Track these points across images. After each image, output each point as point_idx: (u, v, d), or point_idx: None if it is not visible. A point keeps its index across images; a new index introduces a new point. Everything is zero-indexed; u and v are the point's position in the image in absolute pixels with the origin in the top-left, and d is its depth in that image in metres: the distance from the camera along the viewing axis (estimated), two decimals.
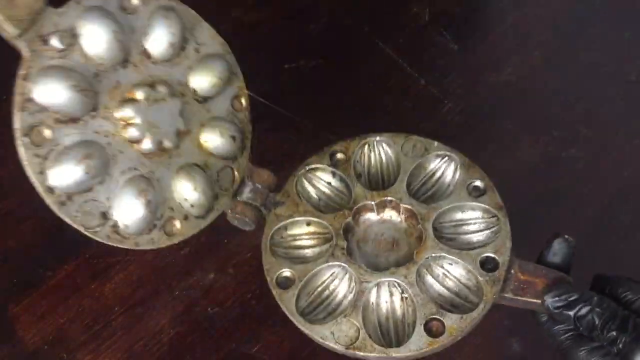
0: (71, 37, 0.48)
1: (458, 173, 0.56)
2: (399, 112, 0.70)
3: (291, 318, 0.51)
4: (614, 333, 0.45)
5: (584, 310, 0.46)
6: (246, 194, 0.55)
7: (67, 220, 0.47)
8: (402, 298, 0.52)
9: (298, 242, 0.56)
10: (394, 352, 0.50)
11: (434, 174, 0.57)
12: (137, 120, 0.49)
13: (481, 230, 0.54)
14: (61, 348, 0.59)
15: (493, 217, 0.54)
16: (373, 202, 0.55)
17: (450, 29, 0.75)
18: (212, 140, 0.53)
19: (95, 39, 0.48)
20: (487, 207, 0.54)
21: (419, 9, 0.77)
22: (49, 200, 0.47)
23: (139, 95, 0.50)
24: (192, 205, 0.52)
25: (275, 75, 0.73)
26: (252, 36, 0.75)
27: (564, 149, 0.66)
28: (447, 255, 0.52)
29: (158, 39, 0.51)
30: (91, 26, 0.48)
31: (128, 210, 0.49)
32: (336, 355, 0.51)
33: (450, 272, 0.52)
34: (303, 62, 0.74)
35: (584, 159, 0.65)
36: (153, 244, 0.50)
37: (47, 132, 0.47)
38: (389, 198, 0.55)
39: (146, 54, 0.51)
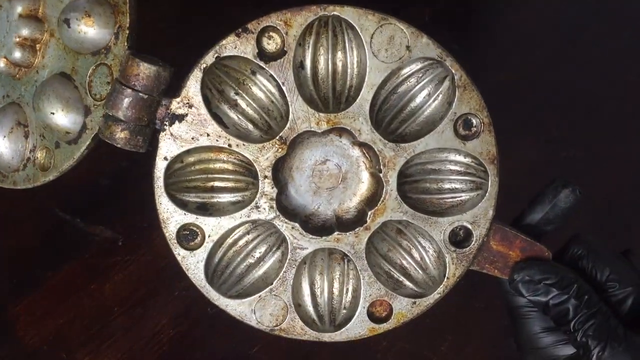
0: None
1: (448, 95, 0.40)
2: None
3: (199, 288, 0.42)
4: (589, 340, 0.39)
5: (558, 299, 0.40)
6: (119, 101, 0.38)
7: None
8: (345, 272, 0.42)
9: (207, 182, 0.41)
10: (327, 338, 0.42)
11: (413, 92, 0.41)
12: None
13: (461, 191, 0.42)
14: (61, 348, 0.59)
15: (481, 171, 0.42)
16: (319, 130, 0.40)
17: (450, 29, 0.75)
18: (73, 32, 0.40)
19: None
20: (476, 156, 0.41)
21: (419, 9, 0.77)
22: None
23: None
24: (59, 129, 0.41)
25: None
26: None
27: (564, 149, 0.66)
28: (410, 221, 0.41)
29: None
30: None
31: None
32: (336, 356, 0.51)
33: (410, 244, 0.42)
34: None
35: (584, 159, 0.65)
36: (29, 182, 0.43)
37: None
38: (343, 126, 0.39)
39: None
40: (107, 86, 0.40)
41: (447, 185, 0.42)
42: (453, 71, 0.40)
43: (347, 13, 0.38)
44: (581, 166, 0.65)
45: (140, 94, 0.38)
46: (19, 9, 0.42)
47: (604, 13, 0.74)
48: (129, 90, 0.38)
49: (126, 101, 0.38)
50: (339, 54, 0.40)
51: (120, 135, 0.39)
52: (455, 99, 0.40)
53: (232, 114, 0.40)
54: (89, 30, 0.40)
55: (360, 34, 0.38)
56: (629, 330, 0.40)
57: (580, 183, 0.65)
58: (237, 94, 0.40)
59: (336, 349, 0.55)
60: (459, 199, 0.42)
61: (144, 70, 0.38)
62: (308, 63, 0.40)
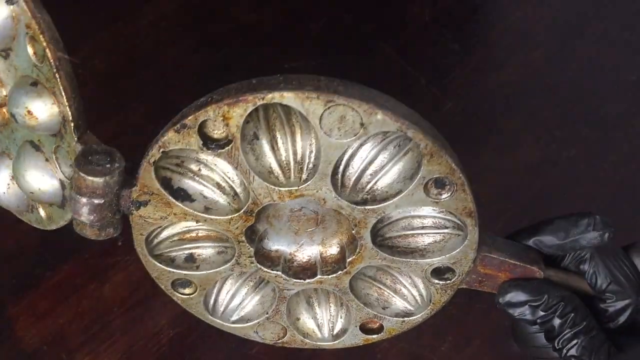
0: None
1: (412, 161, 0.38)
2: None
3: (205, 320, 0.44)
4: (572, 358, 0.39)
5: (544, 318, 0.40)
6: (79, 209, 0.38)
7: None
8: (333, 301, 0.44)
9: (186, 244, 0.42)
10: (327, 346, 0.44)
11: (372, 156, 0.38)
12: None
13: (438, 241, 0.41)
14: (60, 348, 0.59)
15: (457, 223, 0.40)
16: (283, 203, 0.39)
17: (450, 29, 0.75)
18: (22, 125, 0.38)
19: None
20: (452, 211, 0.39)
21: (419, 9, 0.77)
22: None
23: None
24: (44, 198, 0.40)
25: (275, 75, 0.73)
26: (252, 36, 0.75)
27: (564, 149, 0.66)
28: (390, 265, 0.41)
29: None
30: None
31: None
32: (337, 356, 0.51)
33: (393, 281, 0.43)
34: (303, 62, 0.73)
35: (584, 159, 0.65)
36: (40, 224, 0.43)
37: None
38: (307, 198, 0.38)
39: None
40: (71, 168, 0.39)
41: (424, 238, 0.41)
42: (417, 141, 0.36)
43: (289, 100, 0.35)
44: (581, 166, 0.65)
45: (96, 201, 0.38)
46: None
47: (604, 13, 0.74)
48: (84, 199, 0.38)
49: (85, 209, 0.38)
50: (287, 137, 0.38)
51: (90, 233, 0.40)
52: (422, 165, 0.37)
53: (196, 186, 0.39)
54: (36, 124, 0.38)
55: (308, 117, 0.35)
56: (614, 348, 0.40)
57: (581, 183, 0.65)
58: (194, 174, 0.39)
59: (338, 350, 0.55)
60: (437, 244, 0.41)
61: (92, 183, 0.38)
62: (262, 133, 0.37)
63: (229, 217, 0.39)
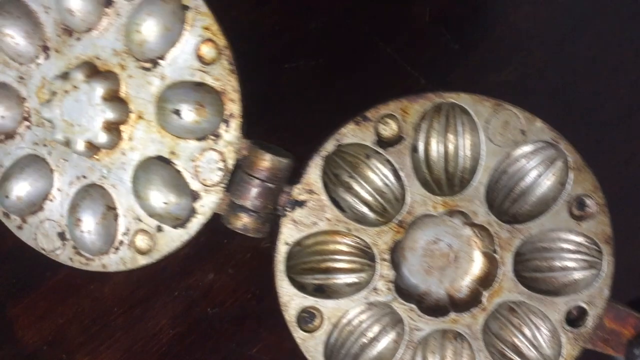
0: None
1: (560, 176, 0.40)
2: None
3: None
4: None
5: None
6: (247, 191, 0.39)
7: (31, 244, 0.44)
8: (458, 351, 0.41)
9: (325, 263, 0.41)
10: None
11: (523, 173, 0.41)
12: (55, 121, 0.41)
13: (573, 269, 0.41)
14: (60, 349, 0.59)
15: (595, 250, 0.41)
16: (435, 214, 0.40)
17: (450, 29, 0.75)
18: (169, 119, 0.40)
19: (1, 45, 0.41)
20: (591, 237, 0.40)
21: (419, 9, 0.77)
22: (9, 226, 0.44)
23: (47, 95, 0.41)
24: (162, 213, 0.41)
25: (276, 75, 0.73)
26: (252, 36, 0.75)
27: None
28: (527, 302, 0.40)
29: (70, 4, 0.40)
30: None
31: (78, 229, 0.42)
32: None
33: (522, 322, 0.41)
34: (303, 62, 0.73)
35: (583, 159, 0.65)
36: (124, 265, 0.42)
37: None
38: (460, 209, 0.40)
39: (67, 31, 0.41)
40: (218, 172, 0.40)
41: (558, 263, 0.41)
42: (567, 154, 0.40)
43: (463, 100, 0.39)
44: None
45: (267, 184, 0.39)
46: (100, 91, 0.41)
47: (605, 13, 0.74)
48: (257, 181, 0.39)
49: (254, 191, 0.39)
50: (451, 137, 0.40)
51: (248, 224, 0.40)
52: (569, 180, 0.40)
53: (348, 197, 0.41)
54: (201, 120, 0.40)
55: (476, 119, 0.39)
56: None
57: None
58: (351, 177, 0.41)
59: None
60: (571, 277, 0.41)
61: (270, 161, 0.39)
62: (421, 146, 0.40)
63: (380, 227, 0.39)
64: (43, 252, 0.44)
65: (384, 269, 0.40)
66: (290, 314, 0.42)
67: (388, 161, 0.40)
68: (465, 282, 0.41)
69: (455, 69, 0.72)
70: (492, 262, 0.40)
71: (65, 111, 0.41)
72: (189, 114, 0.39)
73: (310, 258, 0.42)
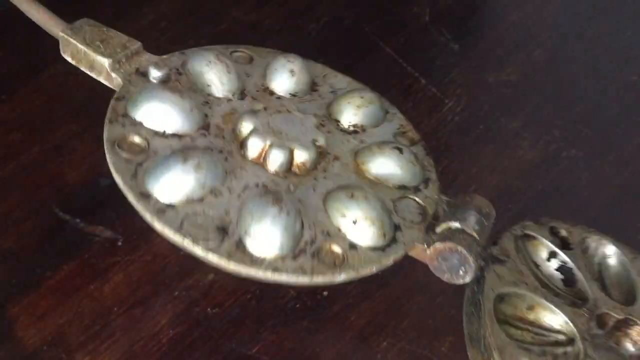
0: (175, 73, 0.43)
1: None
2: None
3: None
4: None
5: None
6: (452, 230, 0.39)
7: (165, 230, 0.40)
8: None
9: (513, 329, 0.40)
10: None
11: None
12: (258, 127, 0.41)
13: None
14: (60, 349, 0.59)
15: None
16: (617, 316, 0.39)
17: (450, 29, 0.75)
18: (375, 160, 0.43)
19: (205, 69, 0.44)
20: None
21: (419, 9, 0.77)
22: (140, 207, 0.41)
23: (258, 106, 0.43)
24: (360, 233, 0.39)
25: None
26: (252, 36, 0.75)
27: (564, 148, 0.66)
28: None
29: (282, 73, 0.46)
30: (201, 58, 0.44)
31: (258, 225, 0.38)
32: (338, 356, 0.51)
33: None
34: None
35: (584, 159, 0.65)
36: (305, 273, 0.39)
37: (143, 143, 0.41)
38: (634, 319, 0.39)
39: (268, 91, 0.46)
40: (418, 215, 0.41)
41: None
42: None
43: (608, 245, 0.43)
44: (581, 166, 0.65)
45: (482, 218, 0.40)
46: (314, 121, 0.43)
47: (605, 12, 0.74)
48: (473, 211, 0.40)
49: (472, 218, 0.40)
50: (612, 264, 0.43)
51: (464, 242, 0.39)
52: None
53: (539, 273, 0.41)
54: (417, 164, 0.43)
55: (624, 259, 0.42)
56: None
57: (580, 183, 0.65)
58: (534, 262, 0.42)
59: (339, 350, 0.55)
60: None
61: (480, 201, 0.41)
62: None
63: (572, 308, 0.39)
64: (188, 241, 0.39)
65: (588, 350, 0.37)
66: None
67: (565, 263, 0.41)
68: None
69: (455, 69, 0.72)
70: None
71: (273, 122, 0.42)
72: (408, 153, 0.43)
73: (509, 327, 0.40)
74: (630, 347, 0.38)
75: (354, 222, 0.38)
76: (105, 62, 0.45)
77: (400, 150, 0.41)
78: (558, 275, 0.41)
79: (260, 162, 0.41)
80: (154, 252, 0.62)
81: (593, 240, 0.44)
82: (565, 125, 0.67)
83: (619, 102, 0.68)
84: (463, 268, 0.38)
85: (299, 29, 0.76)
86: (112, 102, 0.43)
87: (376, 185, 0.41)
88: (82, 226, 0.64)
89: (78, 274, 0.64)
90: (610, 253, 0.43)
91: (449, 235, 0.39)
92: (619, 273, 0.42)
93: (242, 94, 0.44)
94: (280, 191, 0.40)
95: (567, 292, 0.41)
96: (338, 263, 0.38)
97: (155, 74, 0.43)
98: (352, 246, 0.38)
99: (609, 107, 0.68)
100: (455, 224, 0.39)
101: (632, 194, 0.63)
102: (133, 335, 0.61)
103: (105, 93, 0.71)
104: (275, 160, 0.40)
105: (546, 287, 0.40)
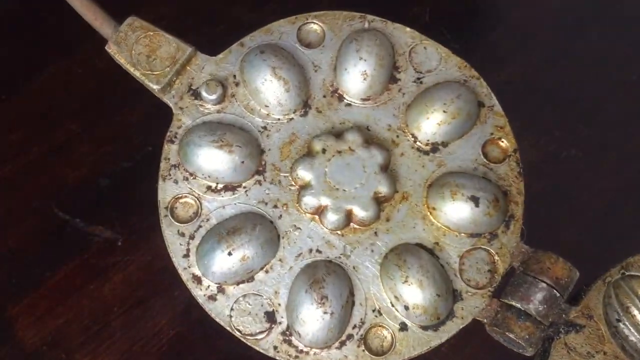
0: (231, 86, 0.39)
1: None
2: None
3: None
4: None
5: None
6: (532, 294, 0.35)
7: (220, 322, 0.39)
8: None
9: None
10: None
11: None
12: (313, 182, 0.37)
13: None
14: (60, 349, 0.59)
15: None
16: None
17: (450, 29, 0.75)
18: (447, 207, 0.37)
19: (259, 85, 0.38)
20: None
21: (419, 9, 0.76)
22: (195, 293, 0.39)
23: (317, 147, 0.38)
24: (413, 309, 0.36)
25: None
26: None
27: (564, 149, 0.66)
28: None
29: (353, 76, 0.40)
30: (256, 73, 0.38)
31: (305, 312, 0.35)
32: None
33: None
34: None
35: (584, 159, 0.65)
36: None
37: (195, 205, 0.38)
38: None
39: (337, 95, 0.40)
40: (487, 274, 0.37)
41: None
42: None
43: None
44: (581, 166, 0.65)
45: (554, 291, 0.35)
46: (380, 159, 0.38)
47: (605, 13, 0.74)
48: (544, 285, 0.35)
49: (539, 296, 0.35)
50: None
51: (521, 332, 0.36)
52: None
53: (629, 332, 0.36)
54: (494, 213, 0.37)
55: None
56: None
57: (580, 183, 0.65)
58: (632, 310, 0.36)
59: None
60: None
61: (562, 266, 0.36)
62: None
63: None
64: (238, 334, 0.38)
65: None
66: None
67: None
68: None
69: None
70: None
71: (330, 172, 0.37)
72: (485, 204, 0.37)
73: None
74: None
75: (406, 308, 0.36)
76: (155, 88, 0.40)
77: (477, 202, 0.37)
78: None
79: (316, 219, 0.38)
80: (154, 252, 0.62)
81: None
82: (566, 125, 0.67)
83: (619, 102, 0.68)
84: (521, 350, 0.37)
85: None
86: (165, 145, 0.39)
87: (444, 235, 0.37)
88: (82, 226, 0.64)
89: (78, 274, 0.64)
90: None
91: (507, 321, 0.36)
92: None
93: (305, 106, 0.39)
94: (334, 266, 0.36)
95: None
96: (386, 348, 0.36)
97: (209, 97, 0.38)
98: (403, 327, 0.36)
99: (609, 107, 0.68)
100: (517, 305, 0.35)
101: (632, 194, 0.63)
102: (133, 335, 0.61)
103: (105, 93, 0.71)
104: (332, 222, 0.37)
105: (633, 349, 0.35)
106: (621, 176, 0.64)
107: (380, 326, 0.36)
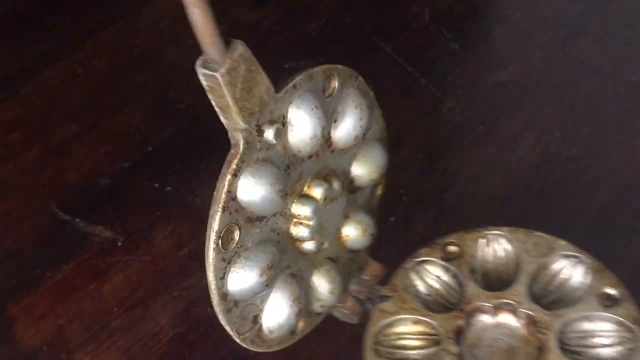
0: (281, 125, 0.42)
1: (587, 278, 0.50)
2: (399, 111, 0.69)
3: None
4: None
5: None
6: (354, 286, 0.51)
7: (227, 327, 0.44)
8: None
9: (403, 342, 0.50)
10: None
11: (558, 276, 0.51)
12: (312, 222, 0.45)
13: (613, 345, 0.48)
14: (60, 349, 0.59)
15: (628, 331, 0.48)
16: (489, 304, 0.49)
17: (450, 29, 0.75)
18: (353, 234, 0.50)
19: (303, 128, 0.43)
20: (621, 319, 0.48)
21: (419, 9, 0.77)
22: (219, 307, 0.43)
23: (317, 192, 0.45)
24: (321, 304, 0.49)
25: (276, 75, 0.73)
26: (252, 36, 0.75)
27: (564, 148, 0.66)
28: None
29: (347, 129, 0.46)
30: (303, 114, 0.42)
31: (277, 315, 0.46)
32: (339, 357, 0.51)
33: None
34: (303, 62, 0.73)
35: (584, 159, 0.65)
36: (279, 345, 0.48)
37: (236, 233, 0.42)
38: (507, 300, 0.49)
39: (329, 143, 0.46)
40: (350, 275, 0.51)
41: (601, 341, 0.49)
42: (590, 262, 0.50)
43: (504, 231, 0.52)
44: (581, 166, 0.65)
45: (371, 282, 0.52)
46: (343, 205, 0.48)
47: (605, 12, 0.74)
48: (367, 279, 0.52)
49: (361, 287, 0.52)
50: (499, 257, 0.52)
51: (352, 312, 0.51)
52: (594, 279, 0.50)
53: (422, 294, 0.52)
54: (361, 239, 0.51)
55: (510, 244, 0.52)
56: None
57: (580, 183, 0.65)
58: (423, 282, 0.52)
59: (339, 353, 0.55)
60: (611, 351, 0.48)
61: (380, 270, 0.52)
62: (477, 263, 0.52)
63: (445, 314, 0.49)
64: (234, 334, 0.45)
65: (449, 345, 0.48)
66: None
67: (451, 270, 0.51)
68: None
69: (455, 69, 0.71)
70: (541, 350, 0.48)
71: (324, 216, 0.46)
72: (365, 236, 0.51)
73: (392, 342, 0.50)
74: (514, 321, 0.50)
75: (319, 300, 0.49)
76: (244, 127, 0.40)
77: (368, 227, 0.50)
78: (450, 285, 0.51)
79: (296, 245, 0.46)
80: (153, 252, 0.62)
81: (483, 240, 0.52)
82: (565, 125, 0.67)
83: (619, 102, 0.68)
84: (352, 320, 0.52)
85: (299, 29, 0.76)
86: (229, 177, 0.40)
87: (342, 251, 0.50)
88: (82, 226, 0.64)
89: (78, 274, 0.64)
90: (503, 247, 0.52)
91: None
92: (500, 261, 0.52)
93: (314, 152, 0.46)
94: (298, 280, 0.47)
95: (451, 299, 0.51)
96: (298, 331, 0.48)
97: (269, 135, 0.41)
98: (309, 314, 0.49)
99: (609, 107, 0.68)
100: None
101: (631, 194, 0.63)
102: (133, 335, 0.61)
103: (105, 93, 0.72)
104: (308, 248, 0.47)
105: (427, 305, 0.50)
106: (621, 176, 0.64)
107: (303, 317, 0.48)
